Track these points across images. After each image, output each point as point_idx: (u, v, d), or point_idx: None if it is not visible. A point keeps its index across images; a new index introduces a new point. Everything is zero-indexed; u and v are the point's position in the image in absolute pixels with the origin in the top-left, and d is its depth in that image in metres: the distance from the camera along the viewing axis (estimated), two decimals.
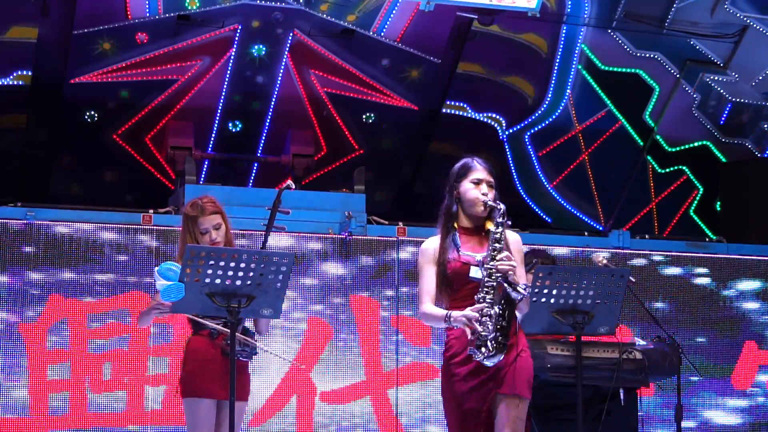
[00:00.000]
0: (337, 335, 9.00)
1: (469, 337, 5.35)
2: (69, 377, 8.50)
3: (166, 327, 8.56)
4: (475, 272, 5.46)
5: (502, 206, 5.51)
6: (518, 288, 5.36)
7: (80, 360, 8.53)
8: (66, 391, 8.48)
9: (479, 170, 5.63)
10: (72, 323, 8.54)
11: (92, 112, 10.47)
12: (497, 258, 5.41)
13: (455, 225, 5.60)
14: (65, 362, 8.50)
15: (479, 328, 5.33)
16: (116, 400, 8.55)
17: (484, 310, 5.36)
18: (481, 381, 5.41)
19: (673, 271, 9.77)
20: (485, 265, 5.41)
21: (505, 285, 5.35)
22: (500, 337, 5.33)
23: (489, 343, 5.33)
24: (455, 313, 5.41)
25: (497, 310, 5.36)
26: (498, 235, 5.46)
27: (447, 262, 5.52)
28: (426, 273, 5.58)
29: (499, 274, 5.37)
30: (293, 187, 6.52)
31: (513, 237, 5.64)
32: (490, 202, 5.53)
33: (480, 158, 5.71)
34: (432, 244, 5.63)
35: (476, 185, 5.59)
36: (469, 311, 5.38)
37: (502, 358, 5.35)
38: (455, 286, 5.51)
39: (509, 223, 5.54)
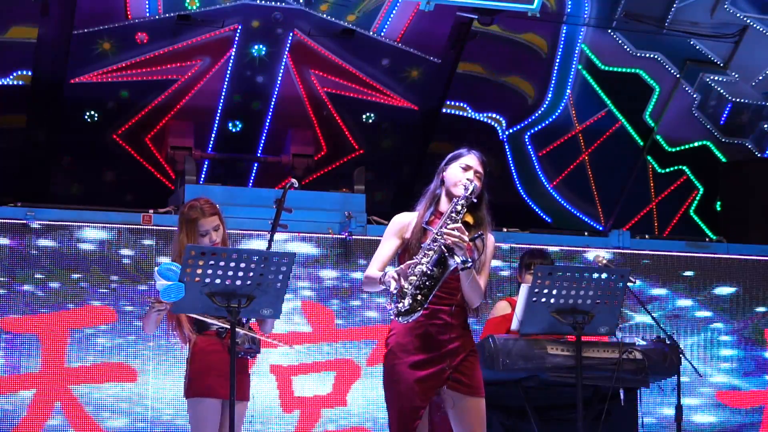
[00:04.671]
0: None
1: (391, 288, 5.23)
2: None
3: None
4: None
5: (473, 186, 5.37)
6: (459, 256, 5.20)
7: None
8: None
9: (471, 158, 5.55)
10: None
11: (92, 112, 10.48)
12: (450, 226, 5.29)
13: (434, 208, 5.50)
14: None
15: (404, 284, 5.20)
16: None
17: (416, 268, 5.22)
18: (432, 373, 5.33)
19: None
20: (435, 230, 5.29)
21: (444, 249, 5.21)
22: (419, 296, 5.20)
23: (406, 299, 5.20)
24: (389, 271, 5.30)
25: (425, 268, 5.22)
26: (459, 207, 5.35)
27: (413, 237, 5.41)
28: (387, 242, 5.50)
29: (442, 240, 5.24)
30: (296, 185, 6.53)
31: (490, 238, 5.51)
32: (469, 186, 5.39)
33: (478, 151, 5.61)
34: (406, 218, 5.53)
35: (464, 170, 5.49)
36: (399, 267, 5.28)
37: (414, 317, 5.22)
38: (409, 258, 5.38)
39: (474, 200, 5.39)
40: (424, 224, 5.42)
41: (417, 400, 5.32)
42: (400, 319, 5.24)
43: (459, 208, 5.35)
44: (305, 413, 8.79)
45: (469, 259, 5.25)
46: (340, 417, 8.83)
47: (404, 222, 5.54)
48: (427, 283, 5.23)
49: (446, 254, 5.21)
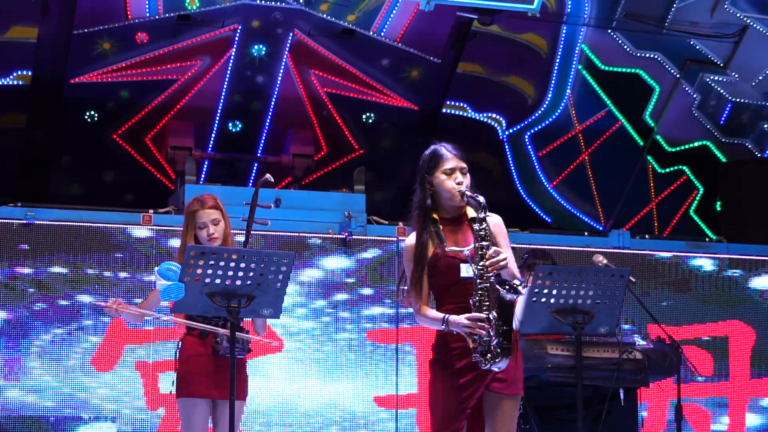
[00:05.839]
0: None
1: (471, 345, 5.22)
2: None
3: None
4: (466, 270, 5.31)
5: (482, 199, 5.32)
6: (514, 285, 5.21)
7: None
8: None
9: (450, 158, 5.46)
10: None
11: (92, 112, 10.47)
12: (487, 255, 5.24)
13: (433, 217, 5.43)
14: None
15: (482, 333, 5.18)
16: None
17: (485, 318, 5.21)
18: (474, 377, 5.28)
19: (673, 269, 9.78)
20: (476, 266, 5.25)
21: (498, 287, 5.20)
22: (504, 342, 5.18)
23: (493, 350, 5.19)
24: (453, 318, 5.26)
25: (495, 314, 5.20)
26: (483, 232, 5.27)
27: (437, 259, 5.36)
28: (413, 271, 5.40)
29: (491, 274, 5.23)
30: (272, 180, 6.51)
31: (494, 219, 5.43)
32: (467, 192, 5.35)
33: (449, 144, 5.53)
34: (414, 240, 5.45)
35: (449, 175, 5.42)
36: (464, 319, 5.23)
37: (508, 361, 5.22)
38: (445, 284, 5.36)
39: (490, 215, 5.34)
40: (439, 250, 5.35)
41: (461, 404, 5.29)
42: (494, 368, 5.22)
43: (483, 234, 5.27)
44: (170, 410, 8.58)
45: (523, 281, 5.28)
46: None
47: (416, 244, 5.45)
48: (504, 328, 5.20)
49: (502, 293, 5.19)
